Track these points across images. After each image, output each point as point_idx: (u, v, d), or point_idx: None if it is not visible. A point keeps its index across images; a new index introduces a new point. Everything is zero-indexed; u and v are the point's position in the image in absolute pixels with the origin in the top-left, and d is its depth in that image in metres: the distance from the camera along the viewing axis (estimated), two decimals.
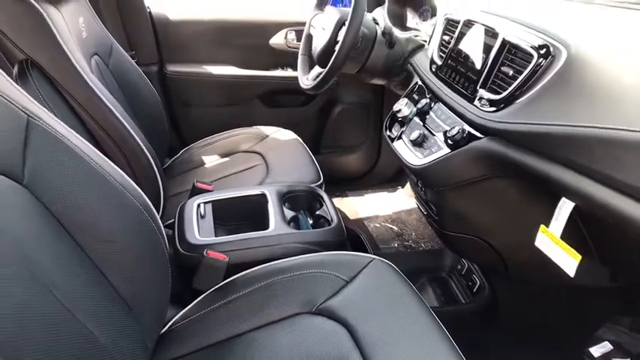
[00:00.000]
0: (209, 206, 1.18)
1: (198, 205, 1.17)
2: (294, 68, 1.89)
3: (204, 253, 0.99)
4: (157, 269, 0.81)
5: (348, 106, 1.98)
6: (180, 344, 0.87)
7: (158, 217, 0.81)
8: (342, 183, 2.02)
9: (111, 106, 1.11)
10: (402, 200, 2.03)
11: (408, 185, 2.06)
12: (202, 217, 1.14)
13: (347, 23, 1.22)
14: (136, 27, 1.76)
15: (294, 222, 1.18)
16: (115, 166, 0.76)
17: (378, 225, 1.84)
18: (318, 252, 1.06)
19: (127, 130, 1.15)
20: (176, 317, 0.94)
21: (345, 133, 2.02)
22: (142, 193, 0.78)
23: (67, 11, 1.15)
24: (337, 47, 1.26)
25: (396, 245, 1.73)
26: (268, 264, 1.00)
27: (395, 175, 2.10)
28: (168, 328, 0.92)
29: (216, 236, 1.09)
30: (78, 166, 0.70)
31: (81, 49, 1.15)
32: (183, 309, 0.95)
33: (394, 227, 1.83)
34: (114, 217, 0.72)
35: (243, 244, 1.05)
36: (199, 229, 1.10)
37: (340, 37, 1.29)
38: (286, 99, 1.93)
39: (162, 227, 0.82)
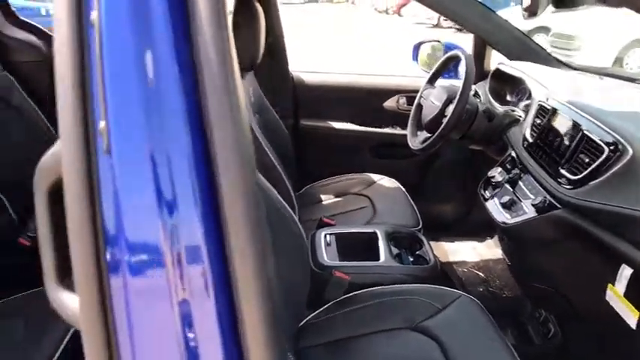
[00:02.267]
0: (333, 237, 1.52)
1: (325, 235, 1.52)
2: (402, 127, 2.21)
3: (332, 273, 1.32)
4: (302, 276, 1.15)
5: (447, 162, 2.26)
6: (311, 337, 1.20)
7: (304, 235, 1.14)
8: (436, 229, 2.29)
9: (265, 147, 1.51)
10: (489, 250, 2.24)
11: (496, 237, 2.27)
12: (328, 244, 1.48)
13: (455, 102, 1.52)
14: (282, 90, 2.21)
15: (398, 257, 1.48)
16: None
17: (465, 270, 2.07)
18: (416, 283, 1.35)
19: (272, 161, 1.52)
20: (309, 317, 1.26)
21: (442, 185, 2.30)
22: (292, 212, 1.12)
23: (245, 83, 1.58)
24: (445, 120, 1.57)
25: (481, 290, 1.95)
26: (379, 287, 1.31)
27: (485, 227, 2.32)
28: (303, 324, 1.25)
29: (339, 261, 1.42)
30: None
31: (250, 109, 1.57)
32: (314, 312, 1.28)
33: (480, 273, 2.06)
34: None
35: (361, 269, 1.38)
36: (326, 254, 1.43)
37: (447, 111, 1.59)
38: (393, 152, 2.25)
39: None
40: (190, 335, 0.44)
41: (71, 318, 0.50)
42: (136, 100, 0.43)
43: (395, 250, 1.50)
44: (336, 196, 2.00)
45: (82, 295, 0.46)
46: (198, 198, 0.43)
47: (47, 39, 2.11)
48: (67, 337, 1.15)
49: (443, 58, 1.79)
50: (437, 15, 14.41)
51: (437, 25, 14.29)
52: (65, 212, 0.54)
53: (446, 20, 14.02)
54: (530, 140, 1.40)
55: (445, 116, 1.59)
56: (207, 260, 0.44)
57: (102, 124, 0.43)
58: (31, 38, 2.06)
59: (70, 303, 0.50)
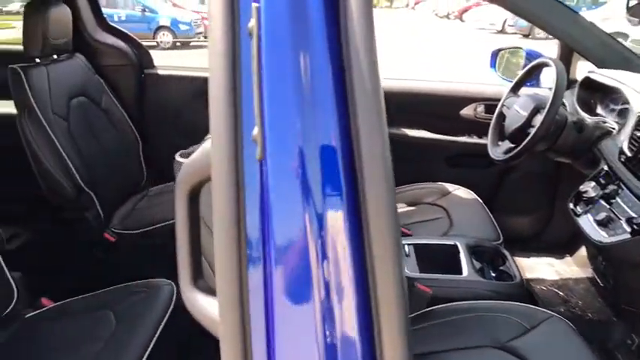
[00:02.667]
0: (411, 247, 1.49)
1: (403, 245, 1.49)
2: (479, 135, 2.14)
3: (414, 284, 1.29)
4: None
5: (524, 174, 2.16)
6: None
7: None
8: (511, 243, 2.20)
9: None
10: (569, 268, 2.12)
11: (576, 254, 2.15)
12: (407, 255, 1.45)
13: (544, 112, 1.45)
14: None
15: (481, 272, 1.43)
16: None
17: (544, 288, 1.97)
18: (500, 300, 1.29)
19: None
20: None
21: (519, 197, 2.20)
22: None
23: None
24: (531, 130, 1.50)
25: (561, 310, 1.85)
26: (463, 302, 1.26)
27: (564, 243, 2.20)
28: None
29: (419, 272, 1.38)
30: None
31: None
32: None
33: (560, 292, 1.95)
34: None
35: (443, 282, 1.33)
36: (406, 265, 1.40)
37: (535, 122, 1.52)
38: (469, 161, 2.19)
39: None
40: (329, 338, 0.44)
41: (205, 320, 0.51)
42: (293, 105, 0.43)
43: (477, 264, 1.44)
44: (409, 205, 1.97)
45: (222, 299, 0.47)
46: (345, 204, 0.43)
47: (134, 44, 2.21)
48: (157, 334, 1.19)
49: (529, 66, 1.71)
50: (501, 20, 14.05)
51: (501, 31, 13.88)
52: (199, 215, 0.55)
53: (511, 26, 13.61)
54: (629, 154, 1.32)
55: (532, 127, 1.52)
56: (350, 268, 0.44)
57: (255, 130, 0.44)
58: (120, 43, 2.17)
59: (204, 305, 0.51)
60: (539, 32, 12.39)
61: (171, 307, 1.26)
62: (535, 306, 1.27)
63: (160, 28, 11.76)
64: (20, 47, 2.41)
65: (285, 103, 0.43)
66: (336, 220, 0.43)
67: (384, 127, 0.45)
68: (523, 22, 12.72)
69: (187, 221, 0.53)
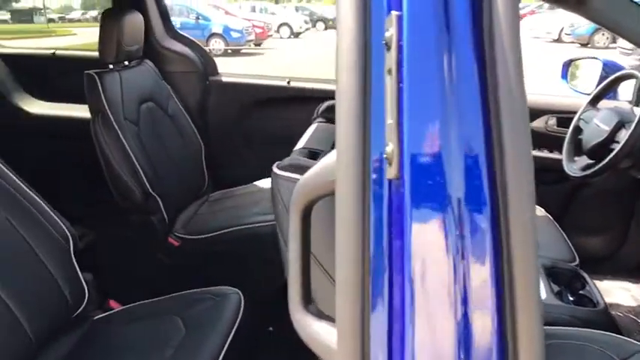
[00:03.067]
0: None
1: None
2: (550, 150, 2.04)
3: None
4: None
5: (601, 190, 2.04)
6: None
7: None
8: (583, 264, 2.08)
9: None
10: None
11: None
12: None
13: (631, 128, 1.36)
14: None
15: (559, 295, 1.34)
16: None
17: (620, 314, 1.84)
18: (581, 327, 1.20)
19: None
20: None
21: (592, 215, 2.08)
22: None
23: None
24: (615, 146, 1.40)
25: None
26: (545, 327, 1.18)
27: None
28: None
29: None
30: None
31: None
32: None
33: (638, 320, 1.82)
34: None
35: None
36: None
37: (619, 137, 1.42)
38: (539, 176, 2.08)
39: None
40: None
41: (318, 347, 0.48)
42: (435, 118, 0.40)
43: (555, 287, 1.36)
44: None
45: (341, 326, 0.44)
46: (489, 221, 0.40)
47: (199, 51, 2.25)
48: (227, 344, 1.18)
49: (611, 78, 1.61)
50: (557, 29, 13.56)
51: (557, 40, 13.40)
52: (309, 232, 0.52)
53: (568, 35, 13.12)
54: None
55: (616, 142, 1.43)
56: (491, 292, 0.40)
57: (389, 147, 0.41)
58: (186, 50, 2.21)
59: (317, 330, 0.49)
60: (599, 41, 11.89)
61: (240, 316, 1.25)
62: (619, 335, 1.18)
63: (212, 35, 12.07)
64: (85, 53, 2.53)
65: (427, 117, 0.40)
66: (479, 238, 0.40)
67: (529, 138, 0.41)
68: (581, 31, 12.25)
69: (301, 240, 0.50)
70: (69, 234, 1.32)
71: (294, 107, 2.20)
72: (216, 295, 1.32)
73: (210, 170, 2.20)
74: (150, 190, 1.77)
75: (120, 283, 1.72)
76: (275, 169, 0.66)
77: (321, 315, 0.50)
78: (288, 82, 2.17)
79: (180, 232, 1.84)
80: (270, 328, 1.78)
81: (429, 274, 0.40)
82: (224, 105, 2.26)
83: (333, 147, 0.88)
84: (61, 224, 1.31)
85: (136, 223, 1.83)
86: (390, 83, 0.42)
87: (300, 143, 0.92)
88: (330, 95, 1.88)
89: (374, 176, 0.42)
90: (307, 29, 17.10)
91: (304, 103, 2.19)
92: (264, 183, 2.09)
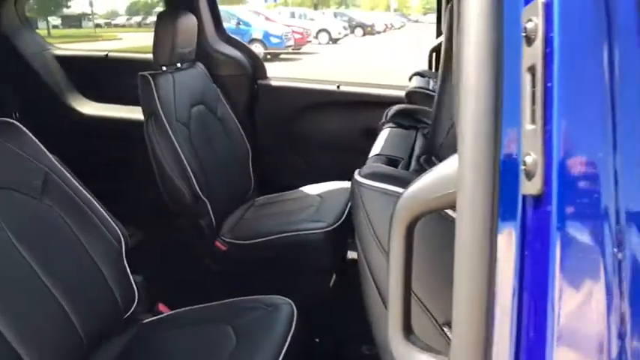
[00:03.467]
0: None
1: None
2: None
3: None
4: None
5: None
6: None
7: None
8: None
9: None
10: None
11: None
12: None
13: None
14: None
15: None
16: None
17: None
18: None
19: None
20: None
21: None
22: None
23: None
24: None
25: None
26: None
27: None
28: None
29: None
30: None
31: None
32: None
33: None
34: None
35: None
36: None
37: None
38: None
39: None
40: None
41: None
42: (595, 122, 0.33)
43: None
44: None
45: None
46: None
47: (249, 54, 2.23)
48: (280, 357, 1.13)
49: None
50: None
51: None
52: (412, 252, 0.46)
53: None
54: None
55: None
56: None
57: (529, 158, 0.35)
58: (236, 53, 2.19)
59: None
60: None
61: (293, 329, 1.20)
62: None
63: (252, 40, 12.20)
64: (137, 54, 2.55)
65: (584, 122, 0.34)
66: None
67: None
68: None
69: (404, 260, 0.44)
70: (121, 236, 1.31)
71: (344, 112, 2.15)
72: (268, 305, 1.28)
73: (256, 174, 2.17)
74: (199, 193, 1.75)
75: (167, 285, 1.71)
76: (358, 178, 0.61)
77: (425, 348, 0.44)
78: (338, 87, 2.13)
79: (227, 236, 1.81)
80: (317, 340, 1.73)
81: (577, 309, 0.34)
82: (272, 109, 2.23)
83: (411, 154, 0.84)
84: (115, 226, 1.30)
85: (185, 226, 1.82)
86: (528, 83, 0.36)
87: (375, 150, 0.87)
88: (381, 100, 1.83)
89: (505, 191, 0.37)
90: (345, 35, 17.08)
91: (354, 109, 2.14)
92: (311, 189, 2.05)
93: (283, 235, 1.71)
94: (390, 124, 0.92)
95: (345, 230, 1.82)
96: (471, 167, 0.38)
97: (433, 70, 1.91)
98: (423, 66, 2.09)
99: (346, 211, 1.80)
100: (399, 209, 0.44)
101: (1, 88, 2.42)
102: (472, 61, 0.38)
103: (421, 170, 0.75)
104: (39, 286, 1.12)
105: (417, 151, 0.82)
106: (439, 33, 1.98)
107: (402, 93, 2.05)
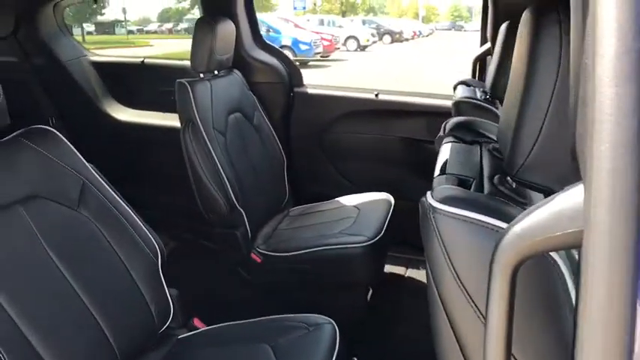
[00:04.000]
0: None
1: None
2: None
3: None
4: None
5: None
6: None
7: None
8: None
9: None
10: None
11: None
12: None
13: None
14: None
15: None
16: None
17: None
18: None
19: None
20: None
21: None
22: None
23: None
24: None
25: None
26: None
27: None
28: None
29: None
30: None
31: None
32: None
33: None
34: None
35: None
36: None
37: None
38: None
39: None
40: None
41: None
42: None
43: None
44: None
45: None
46: None
47: (286, 62, 2.19)
48: None
49: None
50: None
51: None
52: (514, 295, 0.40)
53: None
54: None
55: None
56: None
57: None
58: (273, 61, 2.16)
59: None
60: None
61: (336, 351, 1.14)
62: None
63: (282, 47, 12.22)
64: (172, 61, 2.55)
65: None
66: None
67: None
68: None
69: (507, 305, 0.38)
70: (158, 248, 1.27)
71: (382, 121, 2.09)
72: (309, 325, 1.22)
73: (290, 184, 2.12)
74: (235, 202, 1.71)
75: (201, 298, 1.67)
76: (432, 202, 0.54)
77: None
78: (377, 95, 2.06)
79: (263, 247, 1.76)
80: (355, 358, 1.66)
81: None
82: (308, 117, 2.18)
83: (481, 174, 0.77)
84: (151, 238, 1.26)
85: (219, 236, 1.77)
86: None
87: (440, 167, 0.79)
88: (420, 109, 1.74)
89: None
90: (374, 42, 17.03)
91: (392, 118, 2.07)
92: (348, 199, 1.99)
93: (320, 248, 1.65)
94: (450, 138, 0.85)
95: (385, 244, 1.75)
96: (608, 205, 0.31)
97: (477, 78, 1.83)
98: (454, 74, 2.02)
99: (385, 224, 1.73)
100: (504, 249, 0.37)
101: (38, 93, 2.45)
102: (611, 77, 0.31)
103: (497, 193, 0.68)
104: (73, 300, 1.08)
105: (486, 171, 0.75)
106: (484, 41, 1.90)
107: (442, 102, 1.98)
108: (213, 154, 1.67)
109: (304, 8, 22.85)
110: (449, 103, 1.96)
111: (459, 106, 1.31)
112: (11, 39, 2.34)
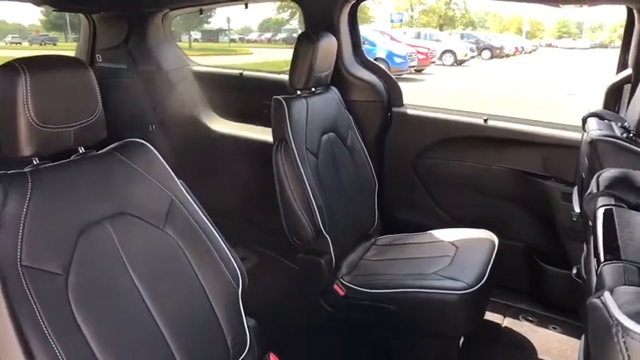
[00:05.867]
0: None
1: None
2: None
3: None
4: None
5: None
6: None
7: None
8: None
9: None
10: None
11: None
12: None
13: None
14: None
15: None
16: None
17: None
18: None
19: None
20: None
21: None
22: None
23: None
24: None
25: None
26: None
27: None
28: None
29: None
30: None
31: None
32: None
33: None
34: None
35: None
36: None
37: None
38: None
39: None
40: None
41: None
42: None
43: None
44: None
45: None
46: None
47: (385, 79, 2.06)
48: None
49: None
50: None
51: None
52: None
53: None
54: None
55: None
56: None
57: None
58: (373, 78, 2.04)
59: None
60: None
61: None
62: None
63: (376, 59, 12.14)
64: (271, 75, 2.52)
65: None
66: None
67: None
68: None
69: None
70: (239, 274, 1.19)
71: (489, 150, 1.88)
72: None
73: (380, 210, 1.98)
74: (322, 229, 1.60)
75: (278, 326, 1.58)
76: (621, 318, 0.38)
77: None
78: (485, 121, 1.86)
79: (347, 279, 1.63)
80: None
81: None
82: (404, 139, 2.03)
83: None
84: (234, 262, 1.18)
85: (303, 262, 1.67)
86: None
87: (607, 245, 0.59)
88: (537, 140, 1.50)
89: None
90: (472, 57, 16.39)
91: (502, 147, 1.86)
92: (444, 234, 1.80)
93: (410, 290, 1.48)
94: (610, 200, 0.65)
95: (486, 292, 1.55)
96: None
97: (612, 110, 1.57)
98: (569, 100, 1.75)
99: (488, 269, 1.53)
100: None
101: (142, 100, 2.53)
102: None
103: None
104: (148, 322, 1.02)
105: None
106: (622, 67, 1.63)
107: (561, 133, 1.74)
108: (304, 177, 1.57)
109: (401, 21, 22.61)
110: (570, 135, 1.72)
111: (597, 147, 1.09)
112: (123, 47, 2.44)
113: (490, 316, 1.84)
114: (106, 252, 1.02)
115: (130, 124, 2.27)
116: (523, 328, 1.80)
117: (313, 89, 1.79)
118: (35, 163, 0.99)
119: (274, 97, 1.65)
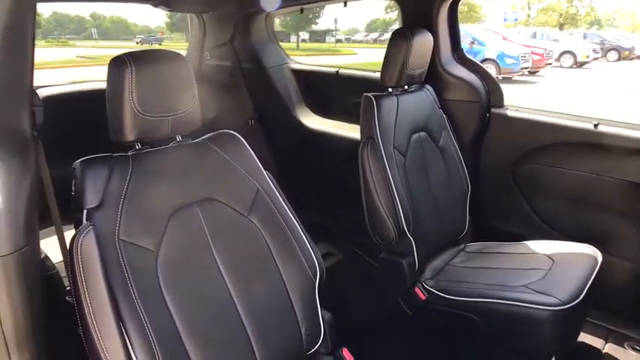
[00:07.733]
0: None
1: None
2: None
3: None
4: None
5: None
6: None
7: None
8: None
9: None
10: None
11: None
12: None
13: None
14: None
15: None
16: None
17: None
18: None
19: None
20: None
21: None
22: None
23: None
24: None
25: None
26: None
27: None
28: None
29: None
30: None
31: None
32: None
33: None
34: None
35: None
36: None
37: None
38: None
39: None
40: None
41: None
42: None
43: None
44: None
45: None
46: None
47: (486, 78, 1.96)
48: None
49: None
50: None
51: None
52: None
53: None
54: None
55: None
56: None
57: None
58: (472, 77, 1.95)
59: None
60: None
61: None
62: None
63: (485, 60, 11.59)
64: (366, 72, 2.51)
65: None
66: None
67: None
68: None
69: None
70: (318, 267, 1.20)
71: (599, 158, 1.71)
72: None
73: (471, 215, 1.89)
74: (405, 230, 1.57)
75: (354, 322, 1.57)
76: None
77: None
78: (596, 126, 1.69)
79: (430, 283, 1.58)
80: None
81: None
82: (503, 143, 1.91)
83: None
84: (313, 255, 1.20)
85: (385, 262, 1.65)
86: None
87: None
88: None
89: None
90: (595, 58, 14.97)
91: (614, 155, 1.68)
92: (540, 246, 1.67)
93: (496, 301, 1.40)
94: None
95: (582, 310, 1.41)
96: None
97: None
98: None
99: (587, 286, 1.39)
100: None
101: (244, 95, 2.67)
102: None
103: None
104: (230, 310, 1.07)
105: None
106: None
107: None
108: (390, 176, 1.55)
109: (516, 20, 21.32)
110: None
111: None
112: (228, 45, 2.59)
113: (589, 339, 1.68)
114: (193, 234, 1.09)
115: (232, 117, 2.40)
116: (628, 357, 1.62)
117: (406, 87, 1.76)
118: (137, 148, 1.08)
119: (364, 94, 1.65)
